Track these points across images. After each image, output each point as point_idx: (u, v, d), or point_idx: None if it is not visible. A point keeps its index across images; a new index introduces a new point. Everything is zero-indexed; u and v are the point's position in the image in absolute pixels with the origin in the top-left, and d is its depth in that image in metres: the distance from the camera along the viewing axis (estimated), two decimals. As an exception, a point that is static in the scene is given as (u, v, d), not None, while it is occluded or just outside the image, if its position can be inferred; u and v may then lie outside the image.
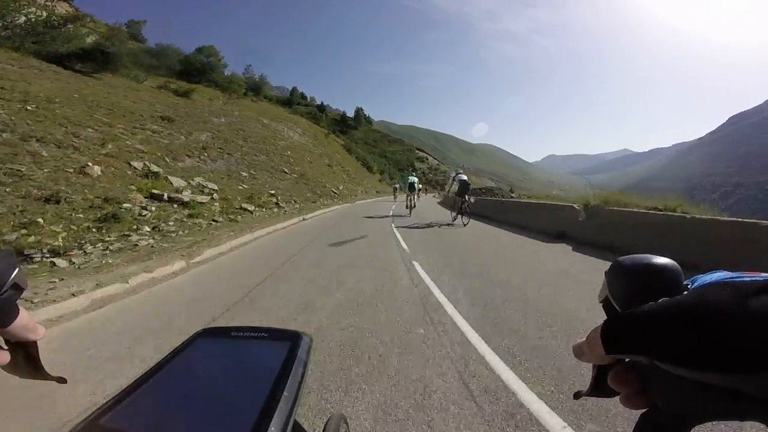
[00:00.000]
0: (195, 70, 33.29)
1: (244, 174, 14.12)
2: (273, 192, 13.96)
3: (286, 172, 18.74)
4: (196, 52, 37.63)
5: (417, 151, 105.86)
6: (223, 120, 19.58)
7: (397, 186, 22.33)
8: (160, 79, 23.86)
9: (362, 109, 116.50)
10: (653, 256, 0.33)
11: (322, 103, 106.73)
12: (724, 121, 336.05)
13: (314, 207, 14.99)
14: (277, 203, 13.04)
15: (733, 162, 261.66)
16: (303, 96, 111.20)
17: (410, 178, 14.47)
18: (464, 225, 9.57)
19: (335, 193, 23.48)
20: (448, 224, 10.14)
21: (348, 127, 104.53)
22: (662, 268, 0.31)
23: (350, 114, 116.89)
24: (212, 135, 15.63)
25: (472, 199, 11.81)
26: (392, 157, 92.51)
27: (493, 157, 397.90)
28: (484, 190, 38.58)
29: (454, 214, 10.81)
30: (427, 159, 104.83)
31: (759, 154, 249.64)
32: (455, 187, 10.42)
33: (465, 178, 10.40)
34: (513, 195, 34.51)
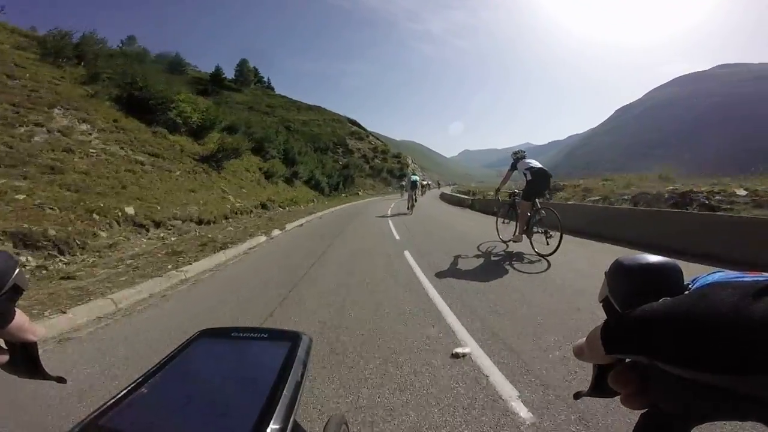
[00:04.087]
0: None
1: None
2: None
3: None
4: None
5: (350, 125, 67.44)
6: None
7: (404, 184, 23.26)
8: None
9: (253, 66, 73.29)
10: (653, 255, 0.31)
11: (177, 54, 60.71)
12: (612, 113, 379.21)
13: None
14: None
15: (623, 149, 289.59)
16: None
17: (413, 177, 15.52)
18: (546, 257, 4.88)
19: None
20: (506, 250, 5.69)
21: (224, 87, 62.01)
22: (663, 268, 0.30)
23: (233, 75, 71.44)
24: None
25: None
26: (305, 130, 54.44)
27: (416, 153, 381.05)
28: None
29: (513, 230, 5.86)
30: (368, 137, 66.85)
31: (643, 141, 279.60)
32: (524, 181, 5.50)
33: (538, 165, 5.46)
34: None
